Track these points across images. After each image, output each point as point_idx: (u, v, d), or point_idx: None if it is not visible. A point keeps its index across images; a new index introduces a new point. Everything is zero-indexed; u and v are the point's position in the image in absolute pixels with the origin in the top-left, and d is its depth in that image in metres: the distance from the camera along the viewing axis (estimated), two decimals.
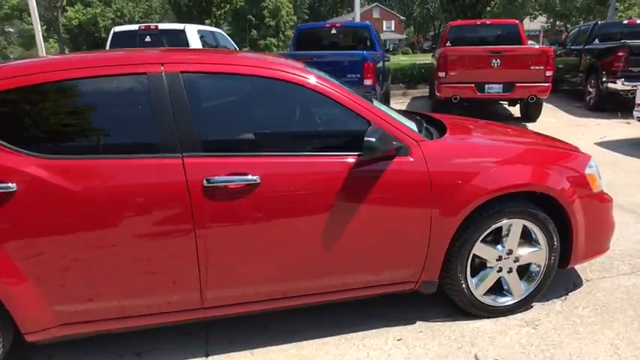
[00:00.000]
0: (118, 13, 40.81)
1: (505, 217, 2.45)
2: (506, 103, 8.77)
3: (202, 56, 2.27)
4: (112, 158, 2.04)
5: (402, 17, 61.37)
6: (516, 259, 2.55)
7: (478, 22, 9.56)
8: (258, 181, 2.10)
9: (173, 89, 2.11)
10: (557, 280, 2.80)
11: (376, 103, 2.57)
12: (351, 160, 2.21)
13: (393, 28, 59.34)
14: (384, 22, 58.24)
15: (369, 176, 2.23)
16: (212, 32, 8.93)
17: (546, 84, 7.50)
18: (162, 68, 2.13)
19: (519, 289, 2.60)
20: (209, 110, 2.24)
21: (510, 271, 2.56)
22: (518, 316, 2.60)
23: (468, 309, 2.56)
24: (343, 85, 2.42)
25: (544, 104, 8.26)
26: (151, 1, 43.55)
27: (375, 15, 59.54)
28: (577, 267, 3.05)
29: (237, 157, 2.13)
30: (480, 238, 2.44)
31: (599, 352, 2.28)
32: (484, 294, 2.55)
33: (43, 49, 11.12)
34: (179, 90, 2.11)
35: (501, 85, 7.78)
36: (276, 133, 2.36)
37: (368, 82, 6.99)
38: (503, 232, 2.50)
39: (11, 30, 51.37)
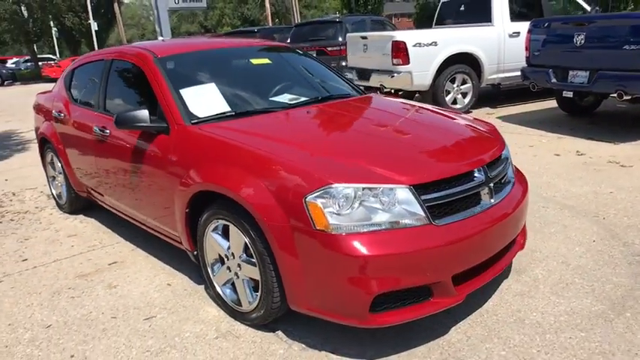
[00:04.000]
0: None
1: (220, 216, 2.37)
2: None
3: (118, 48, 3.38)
4: (84, 108, 3.63)
5: None
6: (240, 267, 2.38)
7: None
8: (109, 133, 3.16)
9: (107, 71, 3.41)
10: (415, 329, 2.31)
11: (202, 87, 2.87)
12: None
13: None
14: None
15: (144, 145, 2.81)
16: None
17: None
18: (110, 57, 3.44)
19: (244, 300, 2.41)
20: (110, 84, 3.36)
21: (237, 276, 2.42)
22: (252, 333, 2.43)
23: (209, 293, 2.64)
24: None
25: None
26: None
27: None
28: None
29: (107, 116, 3.24)
30: (211, 229, 2.48)
31: None
32: (224, 285, 2.55)
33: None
34: (108, 71, 3.39)
35: None
36: (121, 101, 3.23)
37: None
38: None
39: None
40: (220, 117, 2.70)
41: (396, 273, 1.96)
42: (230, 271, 2.46)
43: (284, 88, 3.11)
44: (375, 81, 7.57)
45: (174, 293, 2.81)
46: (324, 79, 3.41)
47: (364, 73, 7.82)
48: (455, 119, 2.77)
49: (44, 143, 4.28)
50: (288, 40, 10.36)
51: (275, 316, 2.31)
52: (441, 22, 8.83)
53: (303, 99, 3.02)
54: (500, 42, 7.45)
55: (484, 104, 8.16)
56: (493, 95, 8.76)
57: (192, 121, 2.65)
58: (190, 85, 2.90)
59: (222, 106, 2.80)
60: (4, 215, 4.35)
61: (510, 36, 7.46)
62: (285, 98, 3.06)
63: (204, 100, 2.81)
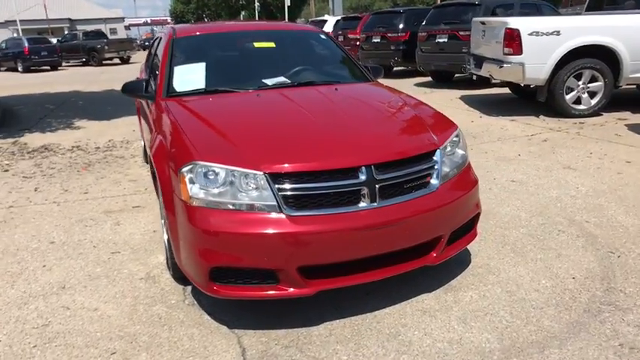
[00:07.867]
0: None
1: None
2: None
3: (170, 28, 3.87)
4: (145, 75, 4.34)
5: None
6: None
7: None
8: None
9: (157, 45, 4.02)
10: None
11: (189, 66, 3.22)
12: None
13: None
14: None
15: (146, 111, 3.33)
16: None
17: None
18: (161, 35, 4.04)
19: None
20: (156, 56, 3.94)
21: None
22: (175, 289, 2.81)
23: None
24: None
25: None
26: None
27: None
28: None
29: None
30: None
31: None
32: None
33: None
34: (157, 45, 4.01)
35: None
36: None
37: None
38: None
39: None
40: (190, 93, 3.05)
41: (234, 251, 2.09)
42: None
43: (272, 71, 3.29)
44: (485, 70, 6.98)
45: (151, 239, 3.33)
46: (324, 65, 3.47)
47: (479, 61, 7.25)
48: (398, 112, 2.62)
49: None
50: (424, 23, 10.01)
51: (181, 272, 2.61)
52: (592, 8, 7.58)
53: (278, 82, 3.17)
54: None
55: (625, 108, 6.84)
56: None
57: (168, 94, 3.06)
58: (189, 62, 3.30)
59: (198, 84, 3.13)
60: (106, 157, 5.48)
61: None
62: (270, 81, 3.24)
63: (190, 77, 3.18)
